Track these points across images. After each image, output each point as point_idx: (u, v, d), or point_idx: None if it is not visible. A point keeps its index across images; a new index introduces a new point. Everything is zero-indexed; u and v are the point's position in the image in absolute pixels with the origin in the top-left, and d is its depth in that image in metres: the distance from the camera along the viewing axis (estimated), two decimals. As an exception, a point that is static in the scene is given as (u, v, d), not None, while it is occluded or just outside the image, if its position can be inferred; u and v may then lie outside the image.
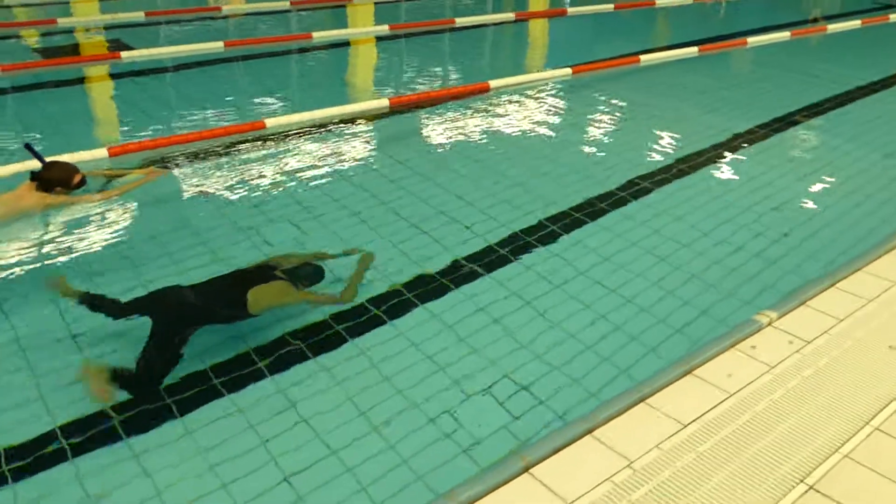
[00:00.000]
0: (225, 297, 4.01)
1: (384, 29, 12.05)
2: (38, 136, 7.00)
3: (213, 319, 3.98)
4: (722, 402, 3.53)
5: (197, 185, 6.07)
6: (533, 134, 7.51)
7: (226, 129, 7.21)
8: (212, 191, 5.97)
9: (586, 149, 7.16)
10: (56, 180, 5.28)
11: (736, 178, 6.48)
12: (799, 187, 6.32)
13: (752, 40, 11.59)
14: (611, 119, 8.03)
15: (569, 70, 9.54)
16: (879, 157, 7.04)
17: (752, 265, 5.04)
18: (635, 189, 6.14)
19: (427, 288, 4.69)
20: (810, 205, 6.00)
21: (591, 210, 5.77)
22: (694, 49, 10.87)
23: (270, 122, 7.40)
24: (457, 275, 4.84)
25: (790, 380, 3.70)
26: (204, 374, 3.87)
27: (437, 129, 7.60)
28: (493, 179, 6.29)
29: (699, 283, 4.83)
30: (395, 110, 8.06)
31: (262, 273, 4.18)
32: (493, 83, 8.91)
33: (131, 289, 4.50)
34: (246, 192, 5.94)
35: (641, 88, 9.17)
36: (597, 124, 7.90)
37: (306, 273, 4.30)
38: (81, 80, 9.26)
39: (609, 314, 4.47)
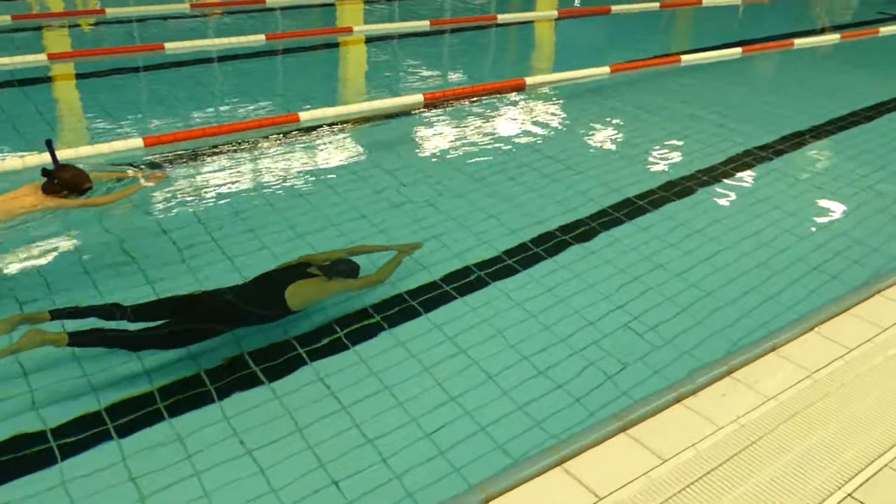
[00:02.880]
0: (263, 297, 4.04)
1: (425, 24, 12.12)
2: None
3: (247, 322, 4.00)
4: (759, 405, 3.49)
5: (200, 187, 5.90)
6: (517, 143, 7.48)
7: (257, 122, 7.23)
8: (217, 192, 5.84)
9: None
10: (67, 183, 5.08)
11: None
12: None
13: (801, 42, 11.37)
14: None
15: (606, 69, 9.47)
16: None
17: (794, 269, 4.99)
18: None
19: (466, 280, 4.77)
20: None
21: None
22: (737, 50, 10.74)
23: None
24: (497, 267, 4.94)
25: (830, 385, 3.64)
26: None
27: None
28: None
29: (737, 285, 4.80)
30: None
31: (297, 271, 4.21)
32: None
33: (145, 296, 4.36)
34: (248, 194, 5.85)
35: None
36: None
37: (341, 269, 4.33)
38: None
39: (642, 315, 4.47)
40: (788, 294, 4.68)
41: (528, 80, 8.92)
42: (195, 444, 3.38)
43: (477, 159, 6.64)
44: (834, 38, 12.23)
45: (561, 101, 8.58)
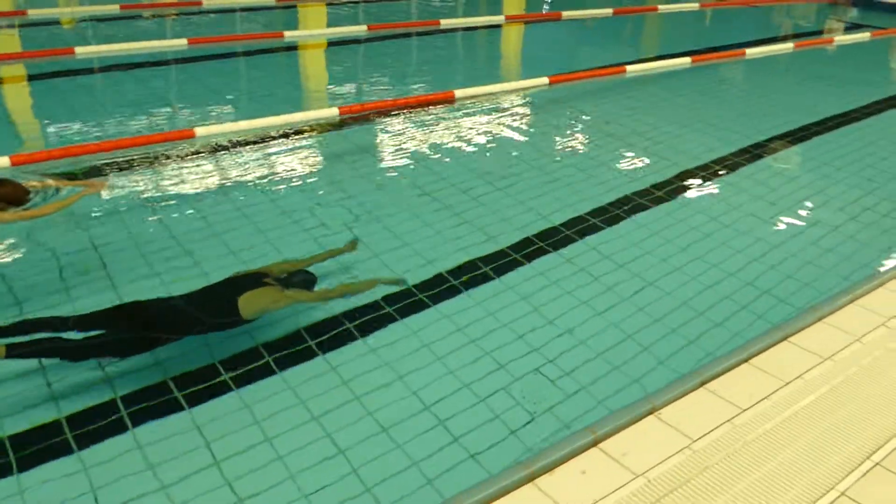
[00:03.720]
0: (215, 305, 4.01)
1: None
2: None
3: (198, 329, 3.98)
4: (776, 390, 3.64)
5: (142, 195, 5.80)
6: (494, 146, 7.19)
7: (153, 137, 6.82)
8: (158, 201, 5.72)
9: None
10: (6, 198, 4.86)
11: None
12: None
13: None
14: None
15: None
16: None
17: (722, 307, 4.75)
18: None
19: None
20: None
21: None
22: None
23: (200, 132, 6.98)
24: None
25: (846, 370, 3.81)
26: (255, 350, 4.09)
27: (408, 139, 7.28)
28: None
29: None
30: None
31: (253, 279, 4.16)
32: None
33: (86, 307, 4.21)
34: (198, 201, 5.74)
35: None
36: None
37: (297, 280, 4.30)
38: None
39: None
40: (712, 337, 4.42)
41: (458, 93, 8.46)
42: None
43: (399, 179, 6.33)
44: (787, 47, 11.99)
45: (486, 117, 8.11)
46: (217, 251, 5.05)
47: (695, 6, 15.24)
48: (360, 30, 11.83)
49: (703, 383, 3.73)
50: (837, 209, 6.03)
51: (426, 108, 8.13)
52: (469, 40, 12.43)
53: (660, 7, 14.96)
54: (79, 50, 9.54)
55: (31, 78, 9.03)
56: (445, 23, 12.61)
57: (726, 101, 9.16)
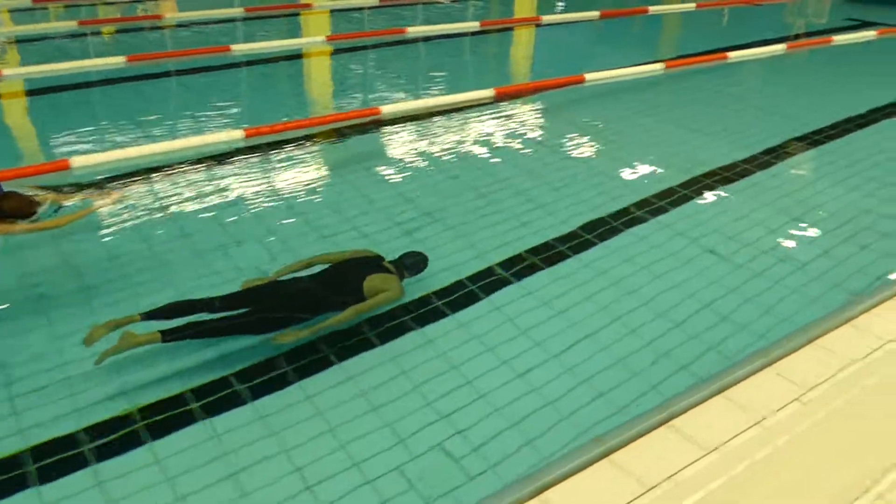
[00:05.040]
0: (343, 285, 4.31)
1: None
2: None
3: (327, 308, 4.26)
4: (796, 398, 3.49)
5: (156, 206, 5.83)
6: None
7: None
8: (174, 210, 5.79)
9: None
10: (13, 212, 4.79)
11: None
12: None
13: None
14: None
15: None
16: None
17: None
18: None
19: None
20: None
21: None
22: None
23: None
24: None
25: (868, 378, 3.64)
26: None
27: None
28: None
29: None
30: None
31: (374, 265, 4.48)
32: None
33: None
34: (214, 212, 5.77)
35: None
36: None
37: (409, 264, 4.65)
38: None
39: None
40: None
41: (385, 109, 7.98)
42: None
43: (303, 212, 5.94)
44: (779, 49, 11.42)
45: (409, 137, 7.64)
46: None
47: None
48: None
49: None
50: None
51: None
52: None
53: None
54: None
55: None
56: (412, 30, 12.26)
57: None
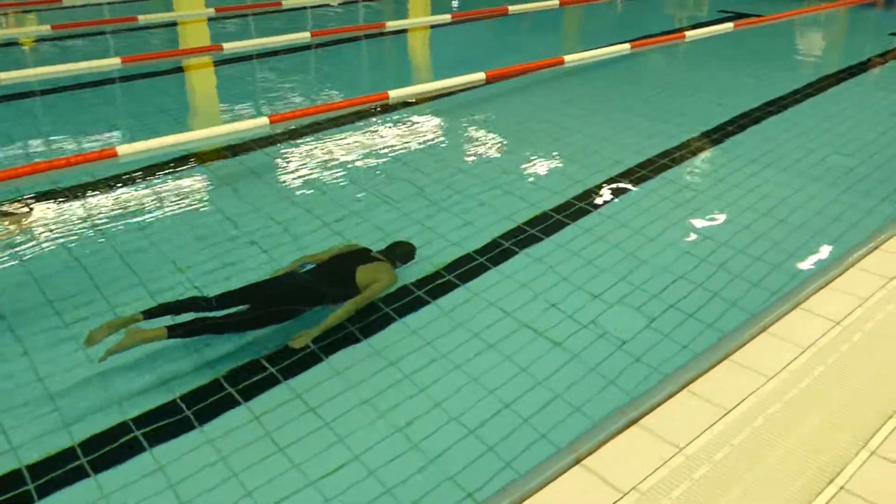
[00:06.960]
0: (335, 279, 4.34)
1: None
2: None
3: (323, 301, 4.32)
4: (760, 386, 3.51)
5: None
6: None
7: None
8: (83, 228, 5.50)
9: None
10: None
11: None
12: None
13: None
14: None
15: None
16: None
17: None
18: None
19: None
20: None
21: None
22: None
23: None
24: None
25: (828, 357, 3.71)
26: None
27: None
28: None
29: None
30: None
31: (364, 256, 4.54)
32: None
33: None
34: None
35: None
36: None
37: (399, 253, 4.76)
38: None
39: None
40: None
41: (275, 117, 7.70)
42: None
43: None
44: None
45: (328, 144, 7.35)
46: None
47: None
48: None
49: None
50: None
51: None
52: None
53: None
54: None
55: None
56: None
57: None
